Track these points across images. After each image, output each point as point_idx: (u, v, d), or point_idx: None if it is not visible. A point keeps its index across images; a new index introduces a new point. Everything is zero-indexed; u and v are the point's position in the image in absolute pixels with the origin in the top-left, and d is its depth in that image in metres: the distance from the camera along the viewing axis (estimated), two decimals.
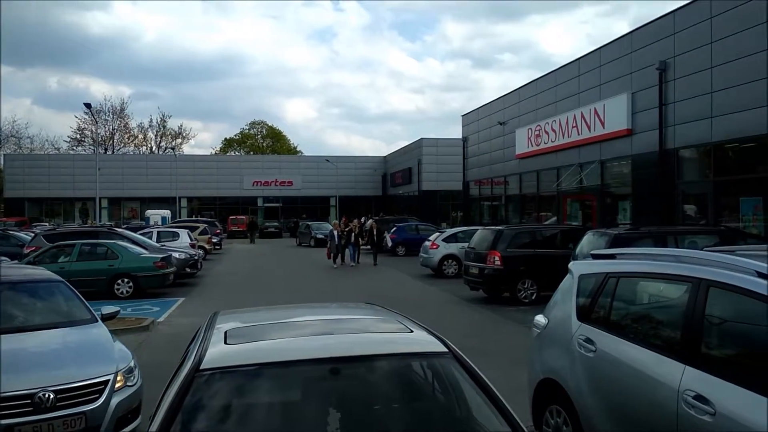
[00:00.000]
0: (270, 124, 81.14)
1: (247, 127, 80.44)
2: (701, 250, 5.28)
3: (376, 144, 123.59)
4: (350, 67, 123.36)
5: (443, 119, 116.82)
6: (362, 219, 28.60)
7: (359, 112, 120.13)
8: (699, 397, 3.26)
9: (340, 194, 53.04)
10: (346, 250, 23.25)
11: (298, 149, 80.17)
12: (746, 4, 14.11)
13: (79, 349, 5.64)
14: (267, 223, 49.52)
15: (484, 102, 32.43)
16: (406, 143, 52.14)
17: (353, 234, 23.41)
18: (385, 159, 58.28)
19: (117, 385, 5.13)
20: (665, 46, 17.12)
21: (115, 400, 5.03)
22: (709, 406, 3.18)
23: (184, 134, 74.37)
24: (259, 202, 55.87)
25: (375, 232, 24.03)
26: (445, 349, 3.15)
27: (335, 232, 23.13)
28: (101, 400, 4.94)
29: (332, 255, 22.99)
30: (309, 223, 39.15)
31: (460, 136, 35.12)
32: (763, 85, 13.56)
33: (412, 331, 3.40)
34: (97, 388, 4.98)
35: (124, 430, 5.15)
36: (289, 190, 55.76)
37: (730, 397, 3.13)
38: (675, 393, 3.42)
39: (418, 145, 46.29)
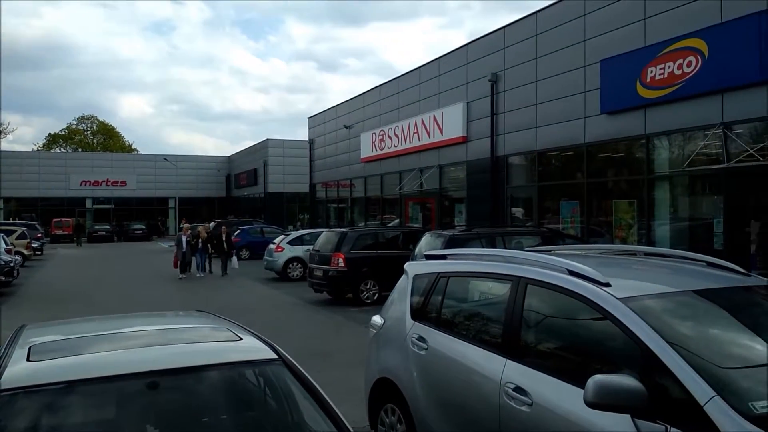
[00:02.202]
0: (101, 120, 75.22)
1: (74, 122, 73.89)
2: (524, 250, 5.66)
3: (219, 143, 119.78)
4: (191, 63, 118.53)
5: (290, 120, 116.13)
6: (211, 223, 26.87)
7: (201, 110, 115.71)
8: (518, 389, 3.45)
9: (180, 195, 50.61)
10: (194, 258, 20.94)
11: (133, 147, 75.32)
12: (567, 24, 15.51)
13: None
14: (97, 227, 45.89)
15: (330, 105, 32.70)
16: (252, 143, 51.07)
17: (201, 240, 21.21)
18: (229, 159, 56.53)
19: None
20: (497, 60, 18.33)
21: None
22: (527, 396, 3.38)
23: (0, 128, 66.83)
24: (88, 204, 51.55)
25: (224, 237, 21.42)
26: (275, 356, 3.11)
27: (184, 238, 20.53)
28: None
29: (179, 264, 20.27)
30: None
31: (307, 138, 35.09)
32: (580, 98, 14.98)
33: (241, 339, 3.32)
34: None
35: None
36: (122, 191, 52.04)
37: (545, 387, 3.34)
38: (497, 386, 3.60)
39: (264, 145, 45.51)
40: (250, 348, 3.20)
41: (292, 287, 17.37)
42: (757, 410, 2.52)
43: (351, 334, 10.67)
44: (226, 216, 40.96)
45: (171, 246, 33.56)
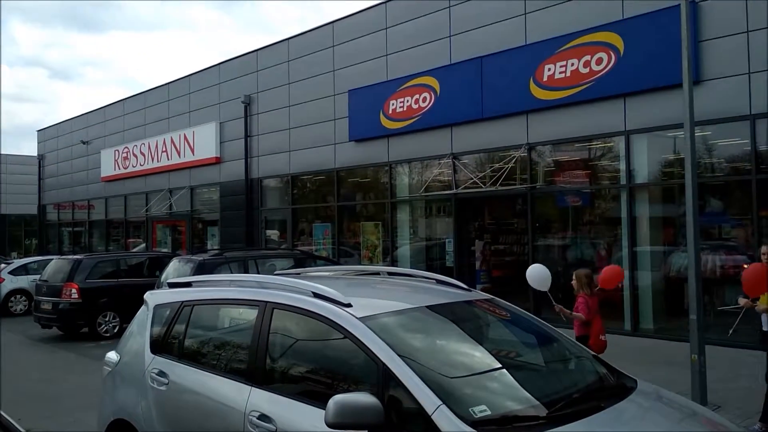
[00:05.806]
0: None
1: None
2: (275, 273, 5.63)
3: None
4: None
5: (14, 133, 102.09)
6: None
7: None
8: (263, 417, 3.36)
9: None
10: None
11: None
12: (317, 53, 16.08)
13: None
14: None
15: (64, 117, 29.54)
16: None
17: None
18: None
19: None
20: (250, 81, 18.28)
21: None
22: (272, 423, 3.30)
23: None
24: None
25: None
26: None
27: None
28: None
29: None
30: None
31: (36, 153, 31.20)
32: (330, 126, 15.59)
33: None
34: None
35: None
36: None
37: (290, 412, 3.29)
38: (242, 416, 3.47)
39: None
40: None
41: (14, 323, 15.14)
42: (476, 415, 2.77)
43: (85, 372, 9.58)
44: None
45: None
